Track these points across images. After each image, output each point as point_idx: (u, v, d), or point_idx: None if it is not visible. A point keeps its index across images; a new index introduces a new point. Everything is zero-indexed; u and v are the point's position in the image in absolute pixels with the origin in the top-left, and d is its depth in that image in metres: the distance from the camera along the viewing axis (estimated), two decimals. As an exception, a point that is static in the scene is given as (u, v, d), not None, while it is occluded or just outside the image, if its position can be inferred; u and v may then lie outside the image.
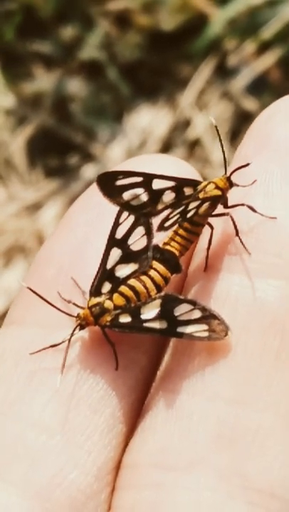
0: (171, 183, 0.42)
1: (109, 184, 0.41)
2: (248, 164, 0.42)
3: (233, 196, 0.42)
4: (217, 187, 0.42)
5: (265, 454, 0.39)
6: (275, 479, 0.39)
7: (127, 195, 0.42)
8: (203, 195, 0.42)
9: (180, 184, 0.42)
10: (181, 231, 0.42)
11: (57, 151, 1.22)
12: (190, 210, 0.41)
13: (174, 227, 0.42)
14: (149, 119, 1.22)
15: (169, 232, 0.43)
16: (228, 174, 0.43)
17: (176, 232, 0.43)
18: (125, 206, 0.42)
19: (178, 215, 0.41)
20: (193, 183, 0.43)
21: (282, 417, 0.39)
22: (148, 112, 1.23)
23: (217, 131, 0.45)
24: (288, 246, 0.41)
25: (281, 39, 1.21)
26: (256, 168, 0.42)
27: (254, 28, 1.22)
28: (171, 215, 0.41)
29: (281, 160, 0.42)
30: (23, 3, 1.23)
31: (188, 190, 0.42)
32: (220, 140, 0.44)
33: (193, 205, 0.41)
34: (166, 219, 0.41)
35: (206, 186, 0.42)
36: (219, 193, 0.42)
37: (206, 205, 0.42)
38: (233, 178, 0.42)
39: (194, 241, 0.43)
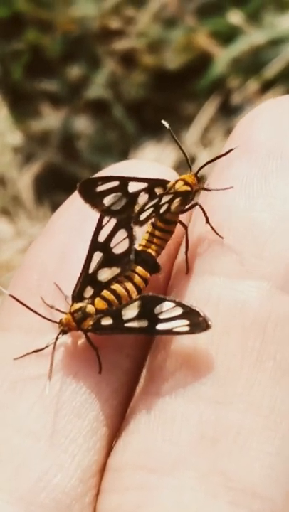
0: (144, 185, 0.43)
1: (90, 191, 0.42)
2: (216, 159, 0.43)
3: (213, 200, 0.43)
4: (186, 183, 0.43)
5: (246, 454, 0.39)
6: (257, 479, 0.39)
7: (107, 201, 0.42)
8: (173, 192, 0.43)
9: (151, 185, 0.43)
10: (156, 232, 0.43)
11: (64, 188, 1.23)
12: (163, 205, 0.42)
13: (148, 229, 0.43)
14: (155, 157, 1.24)
15: (144, 234, 0.43)
16: (193, 172, 0.44)
17: (150, 233, 0.43)
18: (107, 212, 0.42)
19: (152, 208, 0.42)
20: (163, 183, 0.43)
21: (263, 417, 0.40)
22: (153, 149, 1.24)
23: (171, 133, 0.45)
24: (269, 247, 0.41)
25: (284, 78, 1.23)
26: (238, 171, 0.42)
27: (257, 67, 1.24)
28: (146, 207, 0.42)
29: (262, 163, 0.42)
30: (30, 43, 1.27)
31: (159, 191, 0.43)
32: (176, 141, 0.45)
33: (165, 199, 0.42)
34: (142, 210, 0.41)
35: (175, 184, 0.43)
36: (189, 188, 0.43)
37: (177, 201, 0.43)
38: (211, 180, 0.43)
39: (168, 240, 0.44)
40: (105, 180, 0.42)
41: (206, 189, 0.43)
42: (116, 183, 0.42)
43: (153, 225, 0.43)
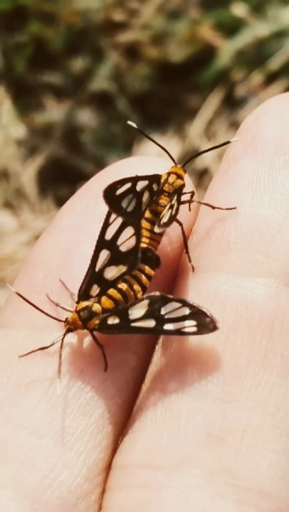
0: (145, 183, 0.43)
1: (113, 197, 0.42)
2: (198, 154, 0.45)
3: (220, 198, 0.43)
4: (179, 176, 0.44)
5: (253, 453, 0.39)
6: (264, 477, 0.39)
7: (124, 203, 0.43)
8: (169, 188, 0.43)
9: (150, 182, 0.43)
10: (152, 227, 0.43)
11: (67, 181, 1.23)
12: (174, 204, 0.42)
13: (145, 225, 0.44)
14: (158, 149, 1.23)
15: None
16: (175, 166, 0.44)
17: (148, 230, 0.44)
18: (126, 215, 0.43)
19: (169, 210, 0.42)
20: (157, 179, 0.44)
21: (271, 415, 0.39)
22: (157, 141, 1.24)
23: (140, 131, 0.46)
24: (276, 244, 0.41)
25: (288, 70, 1.23)
26: (244, 168, 0.42)
27: (261, 59, 1.23)
28: (164, 212, 0.42)
29: (269, 159, 0.42)
30: (34, 35, 1.26)
31: (155, 186, 0.44)
32: (150, 139, 0.47)
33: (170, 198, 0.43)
34: (160, 218, 0.42)
35: (167, 178, 0.43)
36: (183, 182, 0.44)
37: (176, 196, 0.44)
38: (217, 177, 0.43)
39: (163, 234, 0.44)
40: (122, 182, 0.43)
41: (211, 206, 0.43)
42: (129, 185, 0.43)
43: (150, 221, 0.43)
